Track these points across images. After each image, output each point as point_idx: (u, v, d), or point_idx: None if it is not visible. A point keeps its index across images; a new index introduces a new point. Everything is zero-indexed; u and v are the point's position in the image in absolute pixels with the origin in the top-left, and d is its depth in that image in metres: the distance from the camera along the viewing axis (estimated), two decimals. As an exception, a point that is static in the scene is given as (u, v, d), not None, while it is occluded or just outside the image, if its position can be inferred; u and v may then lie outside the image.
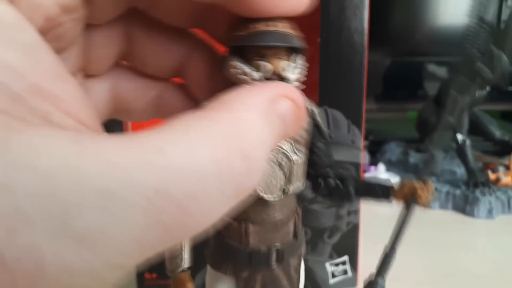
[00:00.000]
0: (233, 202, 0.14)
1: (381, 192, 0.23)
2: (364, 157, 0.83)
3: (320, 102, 0.39)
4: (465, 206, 0.66)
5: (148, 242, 0.12)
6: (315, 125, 0.23)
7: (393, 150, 0.84)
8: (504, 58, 0.20)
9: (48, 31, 0.15)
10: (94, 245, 0.11)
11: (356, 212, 0.42)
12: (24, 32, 0.13)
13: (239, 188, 0.14)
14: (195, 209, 0.12)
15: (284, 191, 0.22)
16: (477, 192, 0.66)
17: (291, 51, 0.21)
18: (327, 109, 0.39)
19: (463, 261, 0.53)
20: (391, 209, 0.72)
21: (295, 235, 0.24)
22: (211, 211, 0.13)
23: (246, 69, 0.20)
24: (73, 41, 0.17)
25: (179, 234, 0.12)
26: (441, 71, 0.95)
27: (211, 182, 0.13)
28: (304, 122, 0.17)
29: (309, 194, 0.38)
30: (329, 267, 0.43)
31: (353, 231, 0.43)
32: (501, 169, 0.74)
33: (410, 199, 0.23)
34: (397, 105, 0.99)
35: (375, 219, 0.54)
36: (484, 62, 0.20)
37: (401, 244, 0.25)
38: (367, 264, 0.47)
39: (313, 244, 0.43)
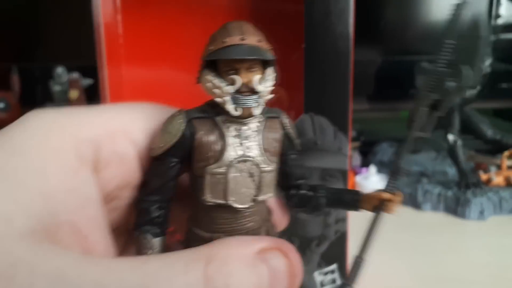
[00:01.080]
0: None
1: (350, 202, 0.24)
2: (355, 158, 0.82)
3: (306, 108, 0.38)
4: (456, 208, 0.65)
5: None
6: (287, 137, 0.24)
7: (385, 150, 0.83)
8: (471, 74, 0.20)
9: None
10: None
11: (344, 220, 0.42)
12: (91, 189, 0.20)
13: None
14: None
15: (254, 200, 0.23)
16: (469, 193, 0.65)
17: (264, 63, 0.22)
18: (313, 116, 0.38)
19: (454, 266, 0.53)
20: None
21: None
22: None
23: (219, 83, 0.21)
24: None
25: None
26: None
27: None
28: (299, 280, 0.19)
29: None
30: (318, 276, 0.43)
31: (341, 240, 0.42)
32: (493, 168, 0.74)
33: (378, 209, 0.24)
34: (389, 105, 0.99)
35: (363, 225, 0.54)
36: (453, 79, 0.21)
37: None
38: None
39: (301, 253, 0.42)
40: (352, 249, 0.43)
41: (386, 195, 0.24)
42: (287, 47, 0.41)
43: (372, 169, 0.73)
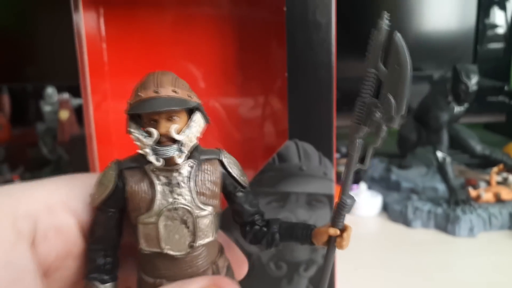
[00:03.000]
0: None
1: (302, 237, 0.24)
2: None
3: (290, 135, 0.38)
4: (446, 225, 0.66)
5: None
6: (229, 176, 0.24)
7: (376, 166, 0.84)
8: (393, 103, 0.20)
9: None
10: None
11: (331, 244, 0.42)
12: (27, 261, 0.21)
13: None
14: None
15: (191, 246, 0.22)
16: (458, 210, 0.66)
17: (186, 110, 0.22)
18: (297, 142, 0.39)
19: (444, 283, 0.52)
20: (369, 232, 0.71)
21: None
22: None
23: (139, 135, 0.22)
24: None
25: None
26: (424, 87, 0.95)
27: None
28: None
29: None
30: (306, 300, 0.42)
31: (328, 263, 0.42)
32: (483, 184, 0.74)
33: (330, 244, 0.24)
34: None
35: (353, 244, 0.54)
36: (379, 109, 0.21)
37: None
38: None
39: (289, 278, 0.42)
40: (343, 267, 0.43)
41: (332, 231, 0.23)
42: (272, 64, 0.42)
43: (363, 185, 0.73)
